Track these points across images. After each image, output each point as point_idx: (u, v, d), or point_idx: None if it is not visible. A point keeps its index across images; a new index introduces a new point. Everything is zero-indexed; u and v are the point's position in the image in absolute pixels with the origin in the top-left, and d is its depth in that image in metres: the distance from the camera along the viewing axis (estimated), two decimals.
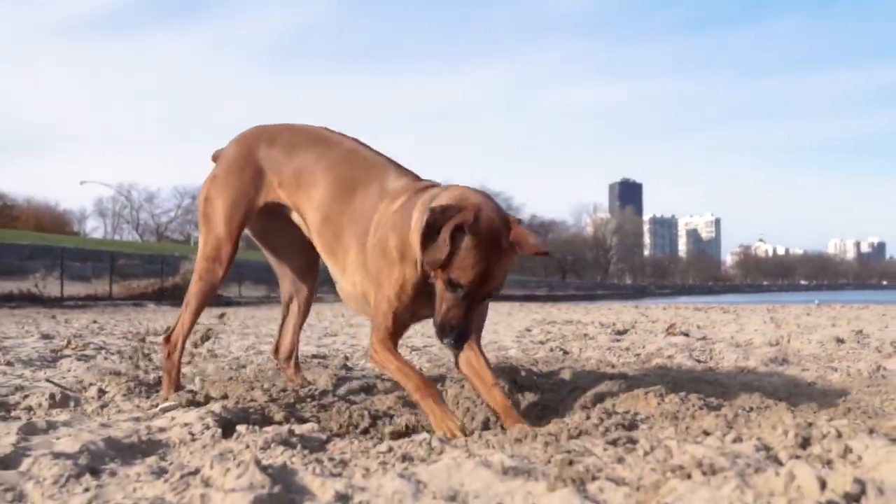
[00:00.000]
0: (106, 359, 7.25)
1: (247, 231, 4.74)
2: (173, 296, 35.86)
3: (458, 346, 3.64)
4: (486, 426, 3.70)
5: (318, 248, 4.44)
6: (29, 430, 3.42)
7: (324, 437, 3.33)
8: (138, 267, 45.62)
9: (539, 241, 3.57)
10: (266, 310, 28.13)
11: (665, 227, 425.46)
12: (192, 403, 4.08)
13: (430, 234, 3.42)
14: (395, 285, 3.83)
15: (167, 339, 4.65)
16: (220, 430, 3.43)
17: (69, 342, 8.94)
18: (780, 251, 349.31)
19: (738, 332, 10.94)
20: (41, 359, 7.06)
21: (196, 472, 2.53)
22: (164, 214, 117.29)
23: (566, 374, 5.04)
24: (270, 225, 4.77)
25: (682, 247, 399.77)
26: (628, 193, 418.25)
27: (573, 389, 4.44)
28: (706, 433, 3.08)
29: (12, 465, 2.79)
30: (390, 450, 2.96)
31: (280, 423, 3.64)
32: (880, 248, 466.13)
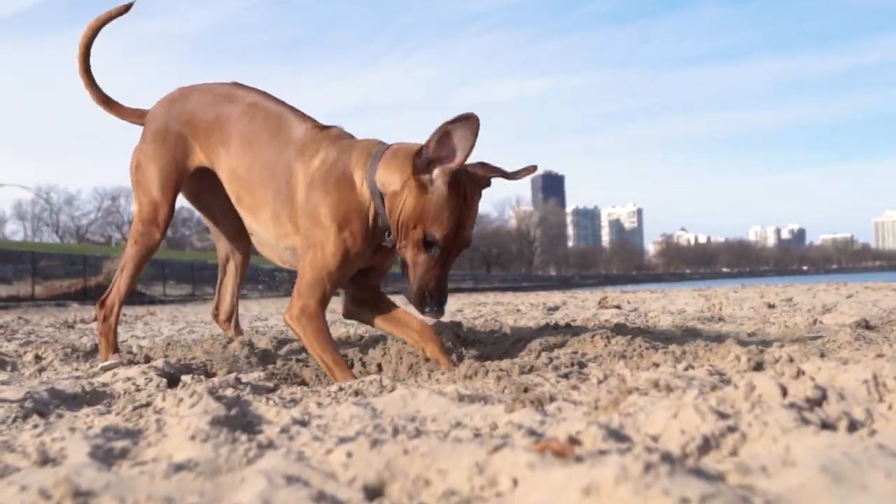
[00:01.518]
0: (38, 341, 7.08)
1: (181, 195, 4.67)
2: (97, 295, 34.97)
3: (440, 313, 3.58)
4: None
5: (234, 204, 4.37)
6: None
7: (271, 384, 3.29)
8: (60, 268, 44.68)
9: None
10: (192, 307, 27.68)
11: (588, 218, 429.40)
12: (133, 363, 4.00)
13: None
14: (335, 255, 3.71)
15: (102, 303, 4.56)
16: (164, 381, 3.37)
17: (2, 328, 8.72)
18: (702, 239, 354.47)
19: (668, 304, 11.04)
20: None
21: (147, 404, 2.47)
22: (84, 217, 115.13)
23: (507, 330, 5.02)
24: (202, 186, 4.67)
25: (606, 237, 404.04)
26: (551, 186, 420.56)
27: (517, 341, 4.42)
28: (656, 365, 3.10)
29: None
30: (340, 389, 2.93)
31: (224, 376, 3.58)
32: (800, 234, 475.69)
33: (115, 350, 4.48)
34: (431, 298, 3.47)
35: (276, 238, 4.14)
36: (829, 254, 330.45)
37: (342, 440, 1.87)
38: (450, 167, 3.38)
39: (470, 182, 3.51)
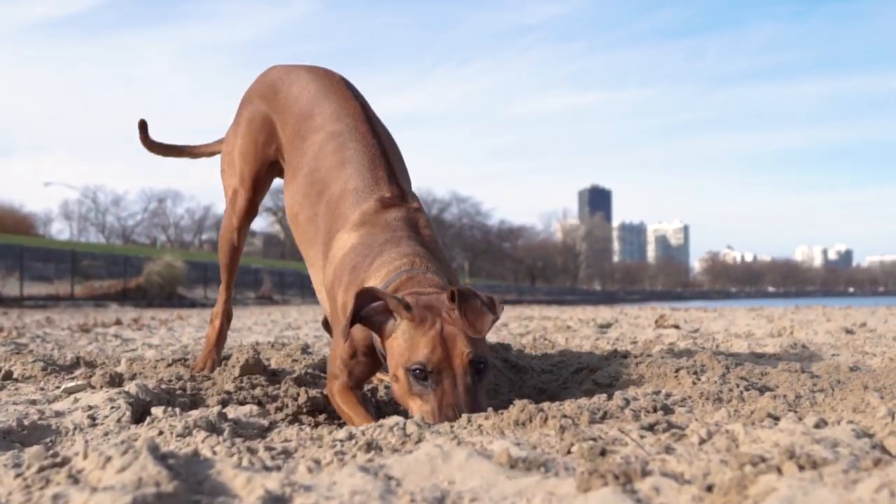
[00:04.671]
0: (37, 347, 6.42)
1: None
2: (136, 296, 35.01)
3: None
4: None
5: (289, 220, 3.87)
6: None
7: (265, 423, 2.55)
8: (102, 268, 44.47)
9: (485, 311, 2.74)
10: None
11: (634, 233, 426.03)
12: (108, 384, 3.28)
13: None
14: (346, 347, 3.08)
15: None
16: (129, 413, 2.64)
17: (0, 330, 8.10)
18: (749, 258, 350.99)
19: (729, 325, 10.19)
20: None
21: (64, 462, 1.73)
22: (130, 217, 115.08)
23: (565, 356, 4.21)
24: None
25: (651, 253, 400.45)
26: (598, 200, 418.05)
27: (578, 370, 3.64)
28: (774, 418, 2.31)
29: None
30: (350, 437, 2.17)
31: (209, 407, 2.85)
32: (847, 255, 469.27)
33: (217, 356, 4.14)
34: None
35: (319, 284, 3.60)
36: (875, 276, 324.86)
37: None
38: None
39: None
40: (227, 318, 4.28)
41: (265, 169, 4.07)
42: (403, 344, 2.69)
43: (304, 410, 3.06)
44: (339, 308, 3.15)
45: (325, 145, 3.61)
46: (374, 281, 2.98)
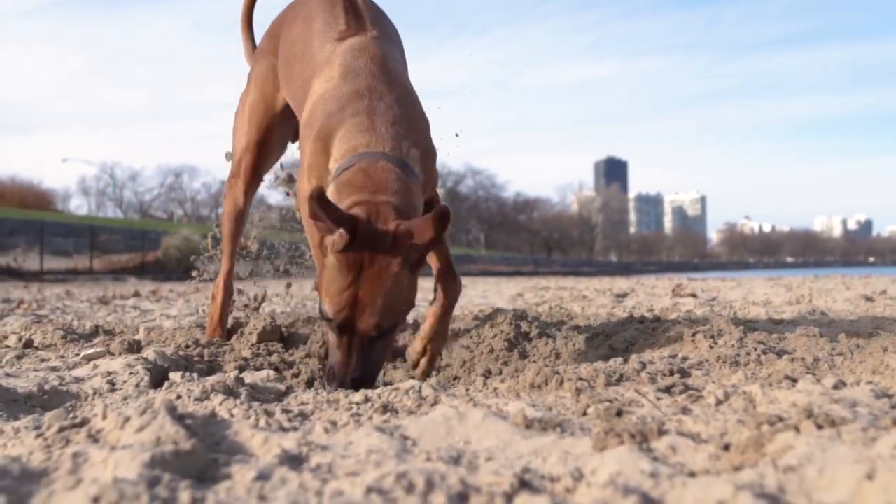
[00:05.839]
0: (57, 318, 6.46)
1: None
2: (154, 269, 35.18)
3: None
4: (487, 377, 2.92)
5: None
6: None
7: (282, 387, 2.55)
8: (120, 242, 44.65)
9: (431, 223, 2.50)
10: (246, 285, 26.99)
11: (650, 204, 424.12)
12: (126, 351, 3.29)
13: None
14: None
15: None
16: (147, 378, 2.66)
17: (21, 302, 8.15)
18: (766, 228, 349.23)
19: (747, 294, 10.16)
20: None
21: (84, 423, 1.74)
22: (147, 192, 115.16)
23: (580, 321, 4.19)
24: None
25: (668, 224, 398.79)
26: (614, 171, 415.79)
27: (594, 336, 3.64)
28: (791, 379, 2.30)
29: None
30: (367, 399, 2.18)
31: (226, 373, 2.86)
32: (867, 225, 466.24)
33: (222, 334, 3.92)
34: (334, 381, 2.61)
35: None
36: None
37: None
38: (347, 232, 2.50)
39: (386, 248, 2.56)
40: (228, 293, 4.03)
41: (275, 124, 3.84)
42: (325, 284, 2.60)
43: (320, 376, 3.07)
44: (303, 157, 3.01)
45: (297, 21, 3.47)
46: (334, 162, 2.82)
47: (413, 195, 2.71)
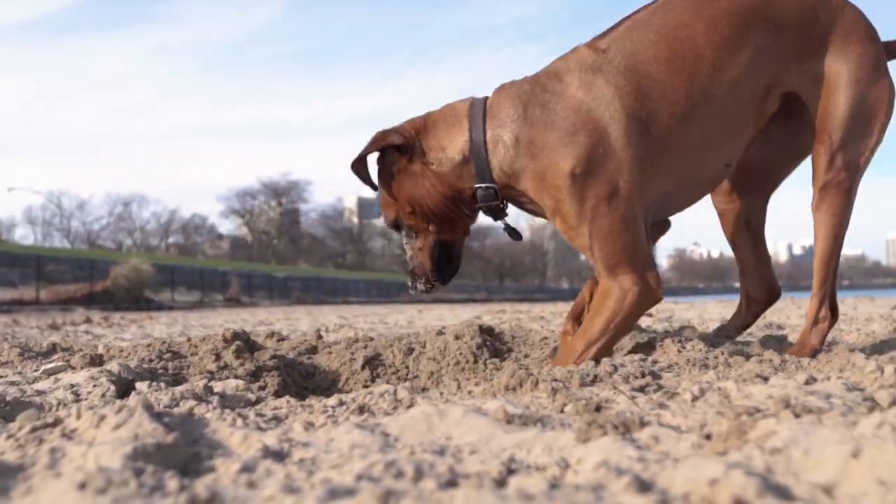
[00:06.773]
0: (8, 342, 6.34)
1: None
2: (103, 299, 34.67)
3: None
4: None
5: None
6: None
7: (252, 396, 2.52)
8: (67, 272, 44.04)
9: None
10: (198, 313, 26.68)
11: None
12: (88, 364, 3.23)
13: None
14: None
15: None
16: (113, 388, 2.61)
17: None
18: (715, 254, 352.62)
19: (702, 313, 10.26)
20: None
21: (57, 423, 1.70)
22: (95, 222, 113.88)
23: (545, 334, 4.19)
24: None
25: None
26: None
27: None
28: (763, 378, 2.31)
29: None
30: (341, 403, 2.15)
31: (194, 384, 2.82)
32: (811, 250, 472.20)
33: None
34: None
35: None
36: (840, 270, 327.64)
37: (333, 493, 1.12)
38: None
39: None
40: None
41: None
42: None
43: (291, 392, 3.04)
44: None
45: None
46: None
47: None
